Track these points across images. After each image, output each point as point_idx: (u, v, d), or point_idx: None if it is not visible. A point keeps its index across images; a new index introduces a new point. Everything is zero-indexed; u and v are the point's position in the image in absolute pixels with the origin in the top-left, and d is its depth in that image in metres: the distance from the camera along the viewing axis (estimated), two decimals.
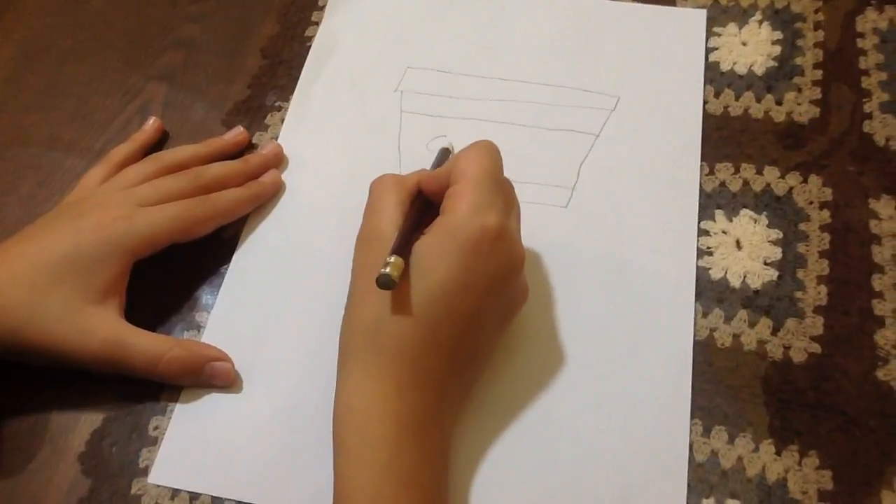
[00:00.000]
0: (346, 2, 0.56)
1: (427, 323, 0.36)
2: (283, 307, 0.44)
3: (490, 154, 0.39)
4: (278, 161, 0.49)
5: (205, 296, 0.45)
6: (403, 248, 0.36)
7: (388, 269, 0.35)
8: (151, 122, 0.51)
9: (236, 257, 0.46)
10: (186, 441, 0.40)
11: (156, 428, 0.41)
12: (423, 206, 0.40)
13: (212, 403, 0.41)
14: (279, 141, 0.50)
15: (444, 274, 0.36)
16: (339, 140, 0.50)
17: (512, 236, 0.38)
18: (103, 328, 0.40)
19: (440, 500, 0.36)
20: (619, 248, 0.45)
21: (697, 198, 0.46)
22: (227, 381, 0.41)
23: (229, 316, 0.44)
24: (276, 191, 0.48)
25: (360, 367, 0.37)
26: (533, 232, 0.45)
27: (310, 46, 0.55)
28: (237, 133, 0.50)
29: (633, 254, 0.45)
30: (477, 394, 0.41)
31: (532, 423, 0.40)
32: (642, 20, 0.53)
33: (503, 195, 0.39)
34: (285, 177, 0.49)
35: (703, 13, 0.53)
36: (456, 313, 0.36)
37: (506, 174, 0.41)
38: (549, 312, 0.43)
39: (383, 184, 0.40)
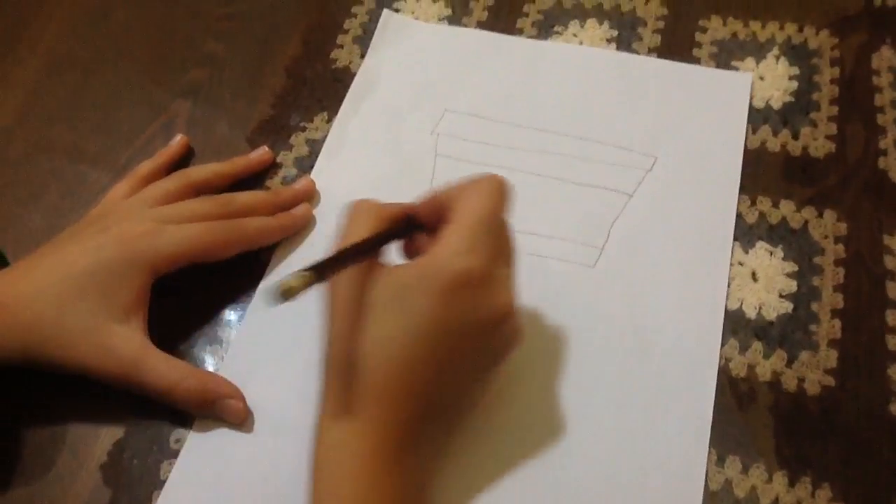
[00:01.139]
0: (389, 41, 0.56)
1: (399, 364, 0.35)
2: (303, 344, 0.43)
3: (492, 195, 0.37)
4: (309, 196, 0.49)
5: (231, 312, 0.46)
6: (328, 267, 0.34)
7: (288, 279, 0.31)
8: (177, 139, 0.52)
9: (262, 287, 0.46)
10: (195, 475, 0.40)
11: (177, 441, 0.41)
12: (397, 234, 0.38)
13: (224, 438, 0.41)
14: (312, 175, 0.50)
15: (420, 317, 0.35)
16: (373, 179, 0.50)
17: (499, 284, 0.36)
18: (124, 347, 0.40)
19: None
20: (644, 316, 0.44)
21: (727, 274, 0.45)
22: (236, 420, 0.41)
23: (249, 348, 0.44)
24: (306, 224, 0.48)
25: (334, 405, 0.36)
26: (558, 290, 0.45)
27: (334, 69, 0.55)
28: (262, 153, 0.51)
29: (658, 325, 0.44)
30: (490, 415, 0.41)
31: (548, 452, 0.41)
32: (686, 80, 0.53)
33: (497, 240, 0.37)
34: (316, 212, 0.49)
35: (748, 77, 0.53)
36: (431, 356, 0.35)
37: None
38: (567, 375, 0.43)
39: (358, 208, 0.39)
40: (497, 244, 0.37)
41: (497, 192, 0.38)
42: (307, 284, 0.32)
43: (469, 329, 0.36)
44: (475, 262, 0.35)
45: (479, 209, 0.37)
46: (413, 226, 0.39)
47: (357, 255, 0.36)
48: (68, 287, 0.41)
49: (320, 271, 0.33)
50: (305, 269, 0.33)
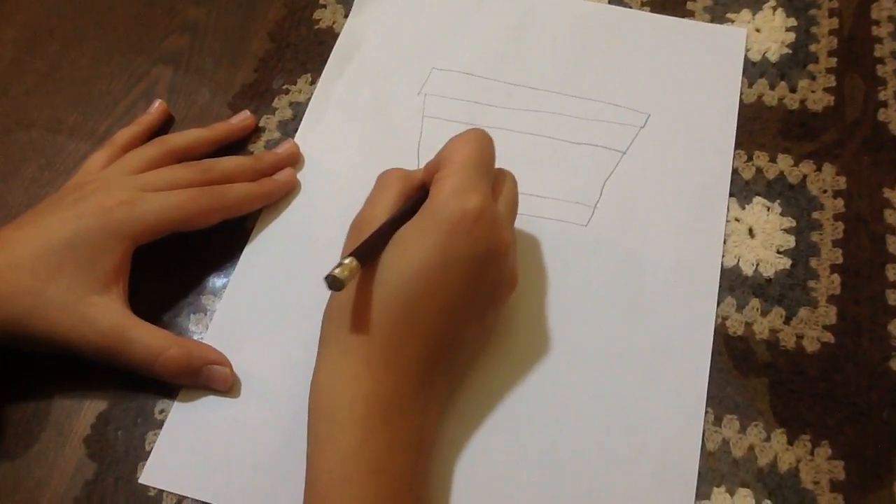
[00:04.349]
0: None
1: (401, 301, 0.36)
2: (288, 311, 0.43)
3: (477, 141, 0.39)
4: (293, 160, 0.48)
5: (216, 279, 0.45)
6: (370, 249, 0.36)
7: (336, 271, 0.34)
8: (157, 105, 0.50)
9: (246, 253, 0.45)
10: (180, 444, 0.40)
11: (162, 411, 0.41)
12: (421, 201, 0.39)
13: (209, 406, 0.40)
14: (296, 139, 0.49)
15: (420, 253, 0.36)
16: (358, 142, 0.49)
17: (496, 220, 0.37)
18: (105, 318, 0.39)
19: (413, 488, 0.35)
20: (638, 275, 0.43)
21: (723, 231, 0.44)
22: (224, 386, 0.41)
23: (234, 315, 0.43)
24: (290, 190, 0.47)
25: (334, 348, 0.36)
26: (550, 249, 0.44)
27: (317, 30, 0.54)
28: (244, 117, 0.50)
29: (653, 284, 0.43)
30: (484, 387, 0.40)
31: (543, 413, 0.40)
32: (679, 35, 0.51)
33: (489, 180, 0.39)
34: (300, 176, 0.48)
35: (743, 32, 0.51)
36: (432, 293, 0.36)
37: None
38: (561, 335, 0.42)
39: (389, 175, 0.41)
40: (489, 184, 0.39)
41: (480, 139, 0.40)
42: (353, 271, 0.34)
43: (469, 264, 0.36)
44: (473, 199, 0.37)
45: (465, 153, 0.39)
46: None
47: (393, 228, 0.37)
48: (46, 258, 0.40)
49: (363, 255, 0.35)
50: (349, 256, 0.34)
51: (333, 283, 0.34)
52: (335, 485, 0.33)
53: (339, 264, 0.34)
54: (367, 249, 0.36)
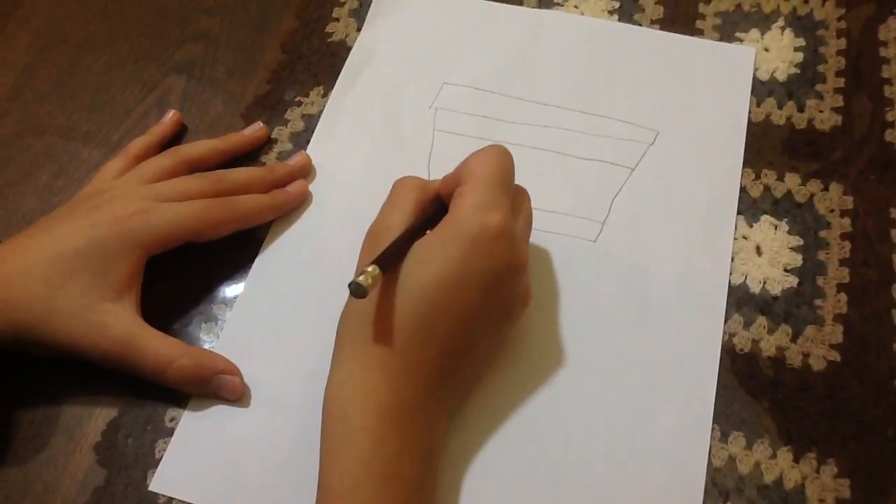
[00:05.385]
0: (386, 13, 0.55)
1: (419, 313, 0.36)
2: (299, 321, 0.43)
3: (499, 157, 0.40)
4: (305, 172, 0.48)
5: (227, 289, 0.45)
6: (390, 257, 0.36)
7: (360, 278, 0.34)
8: (170, 115, 0.51)
9: (257, 263, 0.45)
10: (191, 452, 0.40)
11: (172, 419, 0.41)
12: (438, 212, 0.39)
13: (219, 415, 0.41)
14: (308, 151, 0.49)
15: (440, 266, 0.36)
16: (369, 155, 0.49)
17: (515, 237, 0.38)
18: (117, 326, 0.40)
19: (423, 495, 0.36)
20: (646, 291, 0.43)
21: (731, 248, 0.45)
22: (233, 396, 0.41)
23: (244, 325, 0.44)
24: (302, 202, 0.47)
25: (349, 355, 0.37)
26: (559, 264, 0.45)
27: (330, 42, 0.54)
28: (256, 129, 0.50)
29: (661, 300, 0.43)
30: (493, 399, 0.41)
31: (550, 427, 0.40)
32: (688, 53, 0.52)
33: (510, 198, 0.39)
34: (312, 188, 0.48)
35: (752, 51, 0.52)
36: (449, 306, 0.36)
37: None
38: (569, 350, 0.42)
39: (405, 184, 0.41)
40: (513, 202, 0.40)
41: (502, 155, 0.40)
42: (376, 278, 0.35)
43: (487, 279, 0.37)
44: (494, 216, 0.37)
45: (487, 169, 0.39)
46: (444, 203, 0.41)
47: (411, 238, 0.38)
48: (59, 266, 0.40)
49: (384, 262, 0.36)
50: (371, 264, 0.35)
51: (357, 290, 0.34)
52: (347, 489, 0.34)
53: (363, 272, 0.34)
54: (388, 258, 0.36)
